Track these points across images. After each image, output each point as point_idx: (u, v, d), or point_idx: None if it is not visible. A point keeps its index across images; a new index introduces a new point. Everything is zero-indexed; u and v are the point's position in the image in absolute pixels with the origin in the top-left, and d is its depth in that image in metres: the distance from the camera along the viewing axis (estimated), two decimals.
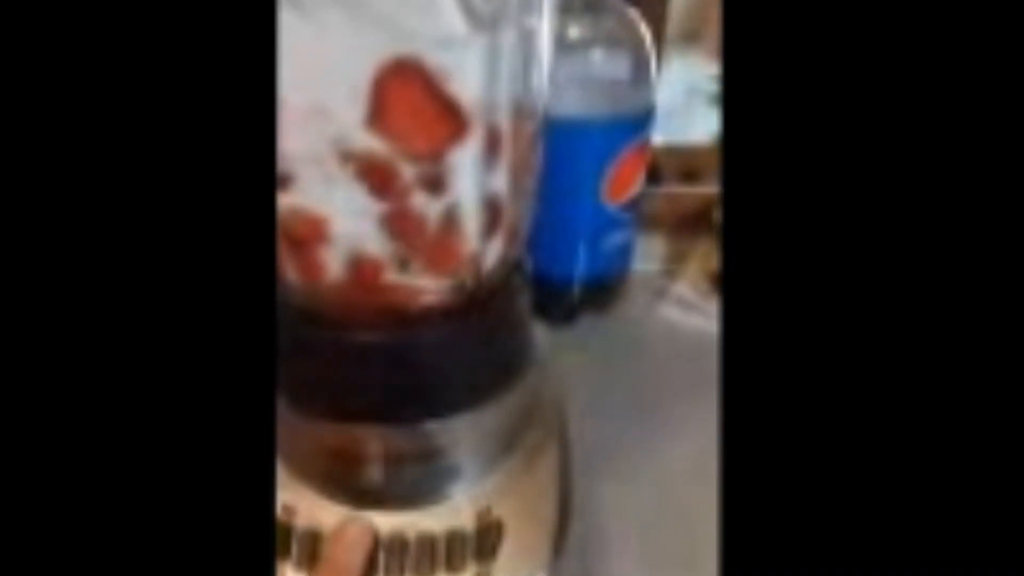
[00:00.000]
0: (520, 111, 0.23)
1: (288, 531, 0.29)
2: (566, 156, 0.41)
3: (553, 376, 0.37)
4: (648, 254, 0.56)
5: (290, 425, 0.30)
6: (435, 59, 0.20)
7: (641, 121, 0.42)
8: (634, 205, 0.46)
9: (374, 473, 0.29)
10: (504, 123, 0.23)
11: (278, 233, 0.23)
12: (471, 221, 0.24)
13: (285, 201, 0.22)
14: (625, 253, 0.49)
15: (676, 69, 0.85)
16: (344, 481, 0.29)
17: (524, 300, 0.30)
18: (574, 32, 0.40)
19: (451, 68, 0.20)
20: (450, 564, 0.28)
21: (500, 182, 0.24)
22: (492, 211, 0.24)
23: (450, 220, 0.23)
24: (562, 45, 0.40)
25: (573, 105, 0.40)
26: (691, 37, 0.90)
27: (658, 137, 0.46)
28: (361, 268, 0.24)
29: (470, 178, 0.23)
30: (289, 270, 0.24)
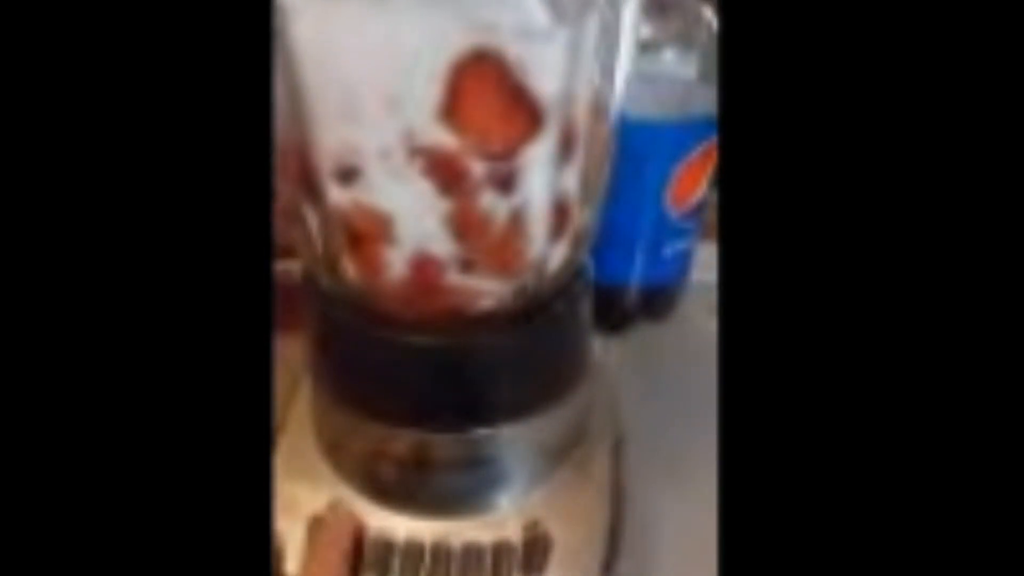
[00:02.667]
0: (597, 109, 0.22)
1: None
2: (630, 158, 0.40)
3: (607, 386, 0.36)
4: (709, 263, 0.54)
5: (337, 424, 0.29)
6: (515, 51, 0.19)
7: (710, 124, 0.40)
8: (697, 212, 0.44)
9: (420, 478, 0.28)
10: (580, 121, 0.22)
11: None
12: (538, 223, 0.23)
13: (349, 195, 0.21)
14: (684, 261, 0.47)
15: None
16: (389, 484, 0.29)
17: (586, 307, 0.29)
18: (644, 30, 0.39)
19: (531, 62, 0.19)
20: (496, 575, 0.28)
21: (571, 182, 0.23)
22: (560, 213, 0.23)
23: (517, 221, 0.22)
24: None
25: (639, 105, 0.39)
26: None
27: None
28: (423, 268, 0.23)
29: (541, 177, 0.21)
30: (349, 267, 0.24)
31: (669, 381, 0.44)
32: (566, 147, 0.22)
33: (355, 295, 0.25)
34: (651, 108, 0.39)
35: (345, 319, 0.26)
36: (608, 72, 0.22)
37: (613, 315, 0.47)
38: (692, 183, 0.42)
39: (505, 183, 0.21)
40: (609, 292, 0.46)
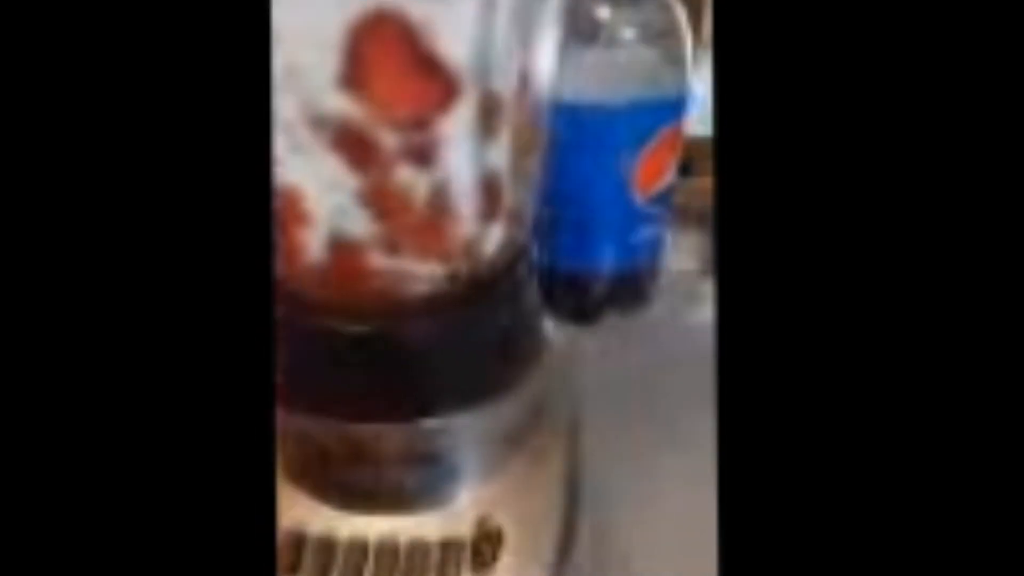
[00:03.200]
0: (523, 80, 0.21)
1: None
2: (593, 144, 0.39)
3: (568, 375, 0.35)
4: (683, 250, 0.53)
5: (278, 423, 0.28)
6: (420, 11, 0.17)
7: (671, 107, 0.39)
8: (666, 198, 0.43)
9: (364, 474, 0.27)
10: (503, 91, 0.20)
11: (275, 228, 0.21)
12: (465, 202, 0.21)
13: None
14: (655, 249, 0.46)
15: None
16: (332, 482, 0.27)
17: (531, 292, 0.28)
18: (603, 14, 0.37)
19: (438, 22, 0.18)
20: (442, 574, 0.26)
21: (499, 159, 0.22)
22: (490, 192, 0.22)
23: (440, 198, 0.21)
24: (590, 28, 0.37)
25: (599, 90, 0.38)
26: None
27: (696, 128, 0.44)
28: (342, 251, 0.22)
29: (463, 151, 0.20)
30: None
31: (643, 369, 0.43)
32: (488, 120, 0.20)
33: (279, 283, 0.23)
34: (611, 93, 0.38)
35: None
36: (530, 39, 0.20)
37: (585, 304, 0.46)
38: (658, 168, 0.41)
39: (422, 156, 0.20)
40: (580, 281, 0.45)
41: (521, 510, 0.28)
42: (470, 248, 0.23)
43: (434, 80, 0.19)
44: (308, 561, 0.26)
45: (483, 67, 0.19)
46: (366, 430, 0.26)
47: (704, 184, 0.55)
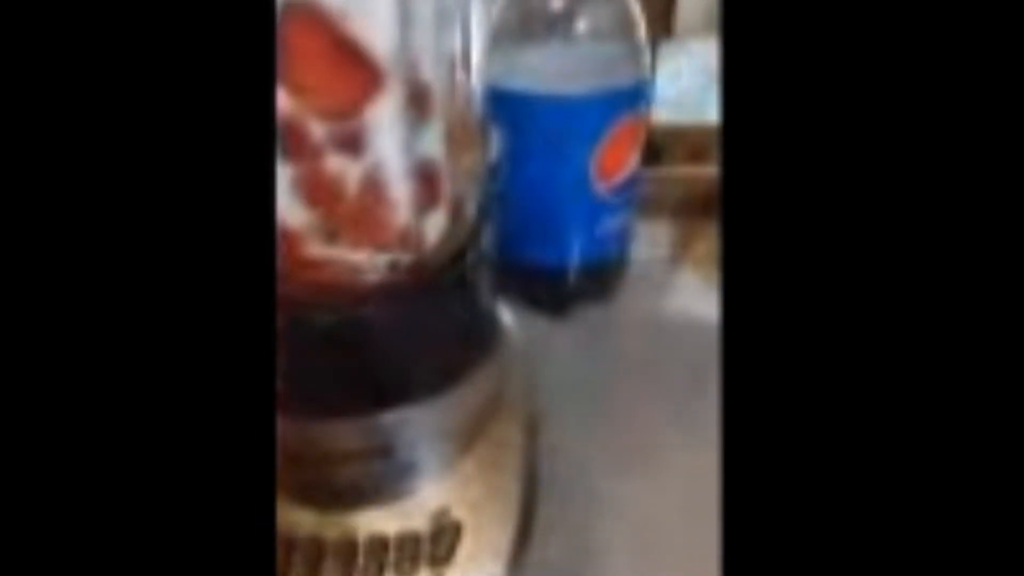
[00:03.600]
0: (451, 66, 0.21)
1: None
2: (552, 137, 0.39)
3: (528, 367, 0.35)
4: (653, 240, 0.53)
5: None
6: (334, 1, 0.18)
7: (629, 96, 0.39)
8: (630, 187, 0.43)
9: (316, 471, 0.27)
10: (431, 78, 0.20)
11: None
12: (399, 189, 0.21)
13: None
14: (623, 239, 0.46)
15: (696, 53, 0.82)
16: (285, 480, 0.27)
17: (483, 281, 0.28)
18: (557, 5, 0.37)
19: (353, 10, 0.18)
20: (399, 569, 0.26)
21: (433, 147, 0.22)
22: (427, 180, 0.22)
23: (373, 186, 0.21)
24: (546, 21, 0.37)
25: (556, 83, 0.38)
26: (710, 20, 0.87)
27: (662, 116, 0.44)
28: (283, 241, 0.21)
29: (393, 139, 0.20)
30: None
31: (616, 359, 0.43)
32: (419, 106, 0.20)
33: None
34: (568, 85, 0.38)
35: None
36: (452, 22, 0.20)
37: (554, 297, 0.46)
38: (619, 158, 0.41)
39: (351, 145, 0.20)
40: (548, 274, 0.45)
41: (479, 503, 0.28)
42: (408, 236, 0.23)
43: (357, 69, 0.19)
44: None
45: (407, 56, 0.19)
46: (317, 426, 0.26)
47: (672, 172, 0.55)
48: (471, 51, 0.22)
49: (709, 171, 0.56)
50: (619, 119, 0.39)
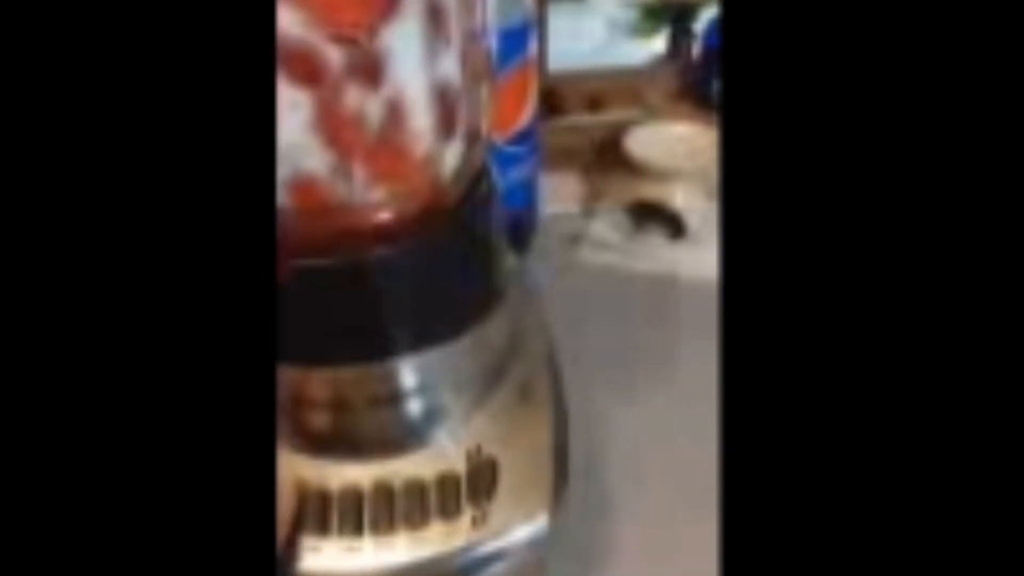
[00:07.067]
0: None
1: None
2: None
3: (539, 306, 0.34)
4: (558, 195, 0.50)
5: None
6: None
7: (516, 38, 0.37)
8: (529, 137, 0.41)
9: (346, 418, 0.26)
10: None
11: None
12: (421, 116, 0.20)
13: None
14: (527, 191, 0.44)
15: (596, 3, 0.80)
16: (313, 430, 0.27)
17: (494, 213, 0.27)
18: None
19: None
20: (443, 510, 0.26)
21: (451, 70, 0.21)
22: (445, 105, 0.21)
23: (394, 117, 0.20)
24: None
25: None
26: None
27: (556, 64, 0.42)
28: (305, 190, 0.20)
29: (412, 64, 0.19)
30: None
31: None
32: (436, 27, 0.19)
33: None
34: None
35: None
36: None
37: None
38: (513, 104, 0.39)
39: (370, 73, 0.19)
40: None
41: (512, 439, 0.28)
42: (428, 166, 0.22)
43: None
44: (306, 513, 0.25)
45: None
46: (341, 373, 0.25)
47: (572, 122, 0.53)
48: None
49: (608, 118, 0.53)
50: (509, 64, 0.37)
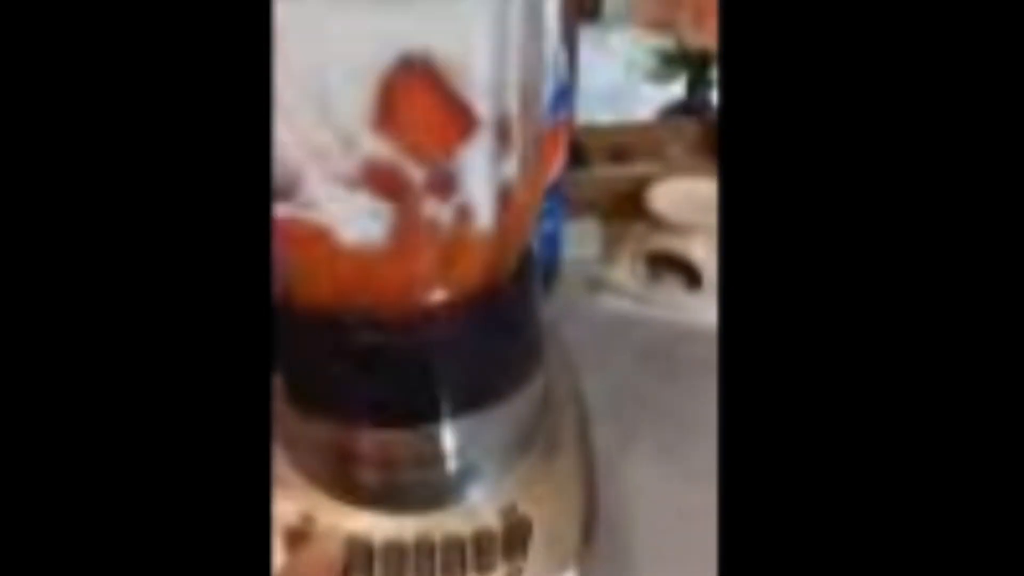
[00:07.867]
0: (528, 94, 0.22)
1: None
2: None
3: (570, 368, 0.36)
4: (580, 241, 0.52)
5: (301, 432, 0.29)
6: (443, 52, 0.18)
7: (552, 101, 0.38)
8: (557, 192, 0.43)
9: (391, 476, 0.28)
10: (513, 110, 0.21)
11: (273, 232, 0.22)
12: (485, 217, 0.22)
13: (286, 208, 0.20)
14: (552, 243, 0.46)
15: (615, 45, 0.82)
16: (360, 485, 0.28)
17: (535, 286, 0.29)
18: None
19: (460, 60, 0.18)
20: (479, 565, 0.28)
21: (511, 170, 0.22)
22: (505, 200, 0.23)
23: (463, 222, 0.22)
24: None
25: None
26: (626, 12, 0.84)
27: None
28: (364, 265, 0.22)
29: (482, 174, 0.21)
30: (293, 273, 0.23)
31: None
32: (503, 139, 0.21)
33: (302, 298, 0.24)
34: None
35: (294, 322, 0.25)
36: (536, 51, 0.21)
37: None
38: (546, 162, 0.41)
39: (445, 187, 0.21)
40: None
41: (543, 496, 0.30)
42: (490, 258, 0.23)
43: (457, 116, 0.19)
44: (351, 565, 0.27)
45: (498, 95, 0.20)
46: (390, 435, 0.27)
47: (597, 173, 0.55)
48: (541, 76, 0.23)
49: (632, 171, 0.54)
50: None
